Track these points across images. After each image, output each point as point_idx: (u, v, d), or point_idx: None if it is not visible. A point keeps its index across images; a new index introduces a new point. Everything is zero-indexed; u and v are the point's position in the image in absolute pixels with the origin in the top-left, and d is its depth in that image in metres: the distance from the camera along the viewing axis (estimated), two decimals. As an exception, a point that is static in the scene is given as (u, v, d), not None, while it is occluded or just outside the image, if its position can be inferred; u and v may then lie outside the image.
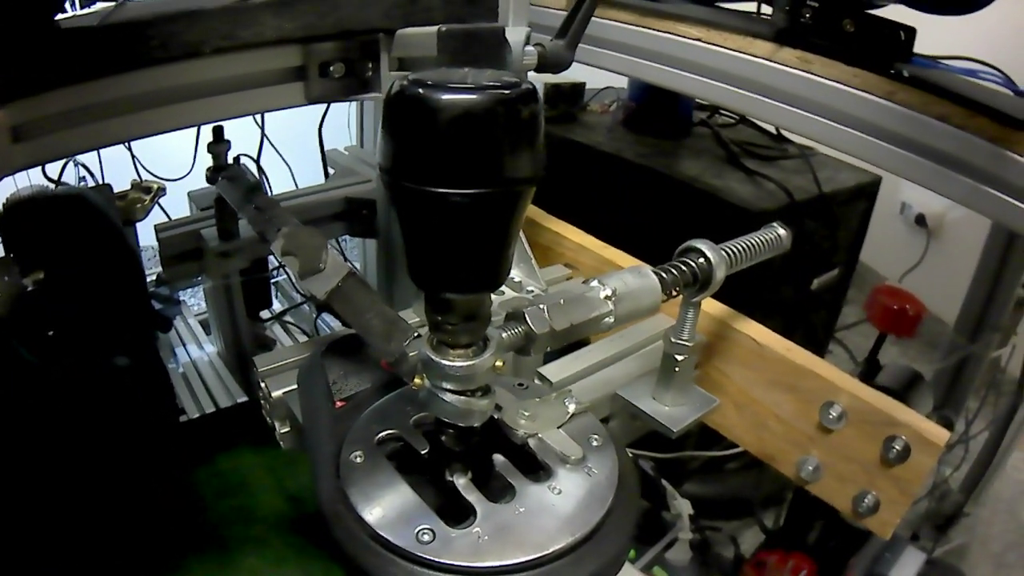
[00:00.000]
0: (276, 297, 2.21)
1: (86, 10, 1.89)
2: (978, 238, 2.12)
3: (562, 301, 0.67)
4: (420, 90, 0.48)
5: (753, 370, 0.99)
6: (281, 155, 2.29)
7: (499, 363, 0.61)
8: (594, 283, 0.71)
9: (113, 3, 1.94)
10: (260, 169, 2.06)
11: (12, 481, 1.11)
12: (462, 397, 0.61)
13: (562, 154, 2.11)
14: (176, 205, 1.94)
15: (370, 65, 1.12)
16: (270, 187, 2.19)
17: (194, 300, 2.61)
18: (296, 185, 2.32)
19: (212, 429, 1.73)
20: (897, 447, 0.83)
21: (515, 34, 0.93)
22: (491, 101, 0.48)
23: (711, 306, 1.01)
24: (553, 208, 1.28)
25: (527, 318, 0.65)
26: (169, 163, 2.04)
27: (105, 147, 1.03)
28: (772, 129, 2.17)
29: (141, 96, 0.99)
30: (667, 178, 1.87)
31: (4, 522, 1.10)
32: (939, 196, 1.11)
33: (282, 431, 0.91)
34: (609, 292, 0.70)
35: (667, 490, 1.53)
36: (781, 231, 0.92)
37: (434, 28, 0.95)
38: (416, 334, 0.72)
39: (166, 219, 2.01)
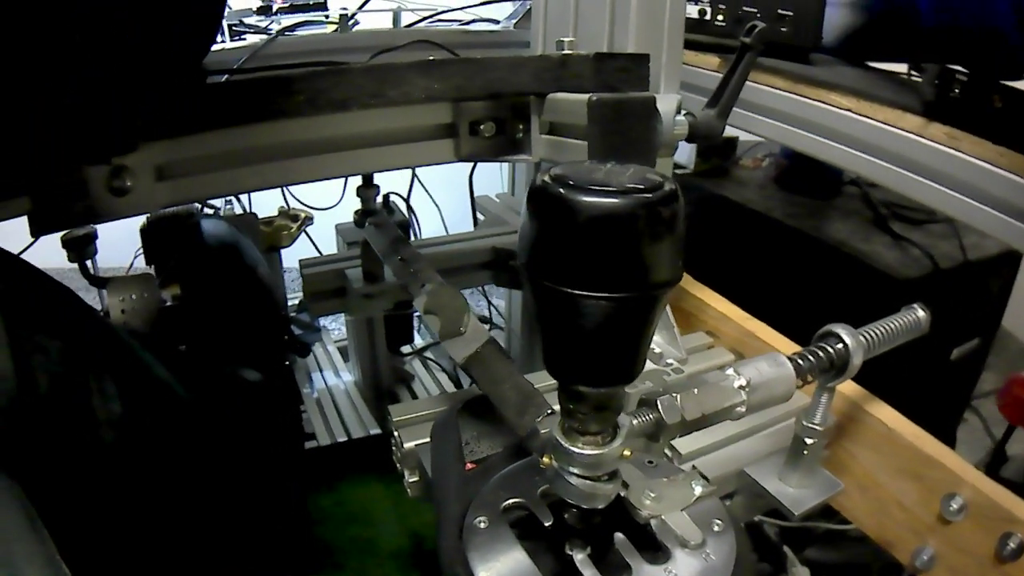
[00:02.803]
0: (417, 331, 2.24)
1: (235, 43, 1.98)
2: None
3: (695, 391, 0.68)
4: (562, 190, 0.48)
5: (881, 455, 0.97)
6: (432, 197, 2.34)
7: (626, 452, 0.62)
8: (729, 371, 0.72)
9: (262, 35, 2.02)
10: (410, 208, 2.10)
11: (139, 500, 1.15)
12: (587, 481, 0.61)
13: (712, 210, 2.11)
14: (322, 234, 2.00)
15: (520, 126, 1.10)
16: (419, 227, 2.24)
17: (335, 325, 2.67)
18: (445, 227, 2.37)
19: (342, 458, 1.77)
20: (1012, 544, 0.81)
21: (666, 103, 0.93)
22: (633, 205, 0.47)
23: (844, 386, 0.99)
24: (700, 264, 1.23)
25: (659, 407, 0.66)
26: (317, 192, 2.10)
27: (248, 192, 1.06)
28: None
29: (287, 145, 1.01)
30: (815, 240, 1.85)
31: (131, 536, 1.14)
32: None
33: (410, 480, 0.93)
34: (744, 382, 0.70)
35: (788, 557, 1.51)
36: (920, 313, 0.90)
37: (584, 96, 0.95)
38: (549, 411, 0.73)
39: (312, 245, 2.09)
